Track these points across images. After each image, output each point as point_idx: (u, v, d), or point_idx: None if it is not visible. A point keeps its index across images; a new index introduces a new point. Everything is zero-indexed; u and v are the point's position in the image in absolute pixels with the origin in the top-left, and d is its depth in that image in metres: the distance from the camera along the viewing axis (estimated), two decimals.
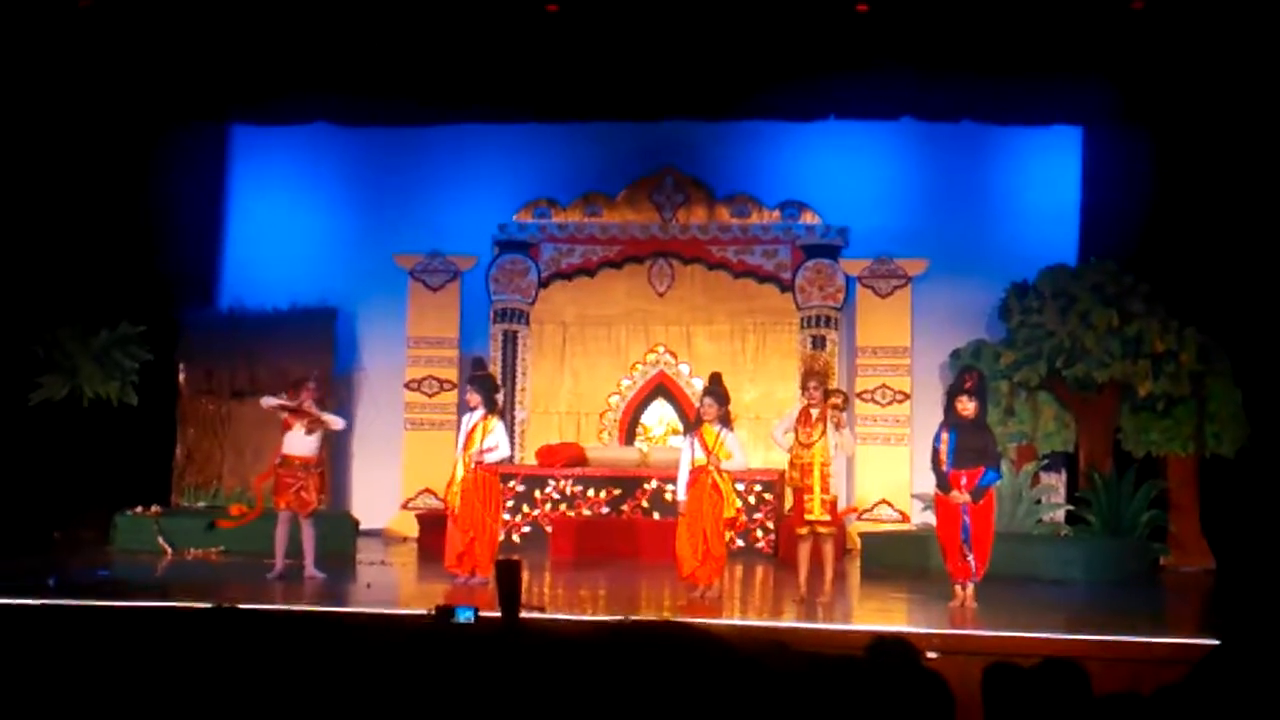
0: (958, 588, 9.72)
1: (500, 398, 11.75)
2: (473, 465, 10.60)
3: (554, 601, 9.91)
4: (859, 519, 13.73)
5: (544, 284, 15.05)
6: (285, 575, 10.76)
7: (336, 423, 11.06)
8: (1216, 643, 3.28)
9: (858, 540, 13.12)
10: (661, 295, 15.02)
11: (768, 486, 13.15)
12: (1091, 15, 11.53)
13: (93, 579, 10.59)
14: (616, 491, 13.45)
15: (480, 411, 10.72)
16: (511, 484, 13.37)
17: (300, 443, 10.90)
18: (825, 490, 10.00)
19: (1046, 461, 13.51)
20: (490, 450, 10.59)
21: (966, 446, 9.70)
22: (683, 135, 14.54)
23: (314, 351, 14.50)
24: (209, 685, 1.70)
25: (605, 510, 13.44)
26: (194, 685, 1.71)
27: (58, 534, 13.21)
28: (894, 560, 12.13)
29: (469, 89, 12.88)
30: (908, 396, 14.22)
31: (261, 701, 1.66)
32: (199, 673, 1.72)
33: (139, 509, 13.02)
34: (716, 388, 10.27)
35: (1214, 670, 3.05)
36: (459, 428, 11.28)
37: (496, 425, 10.72)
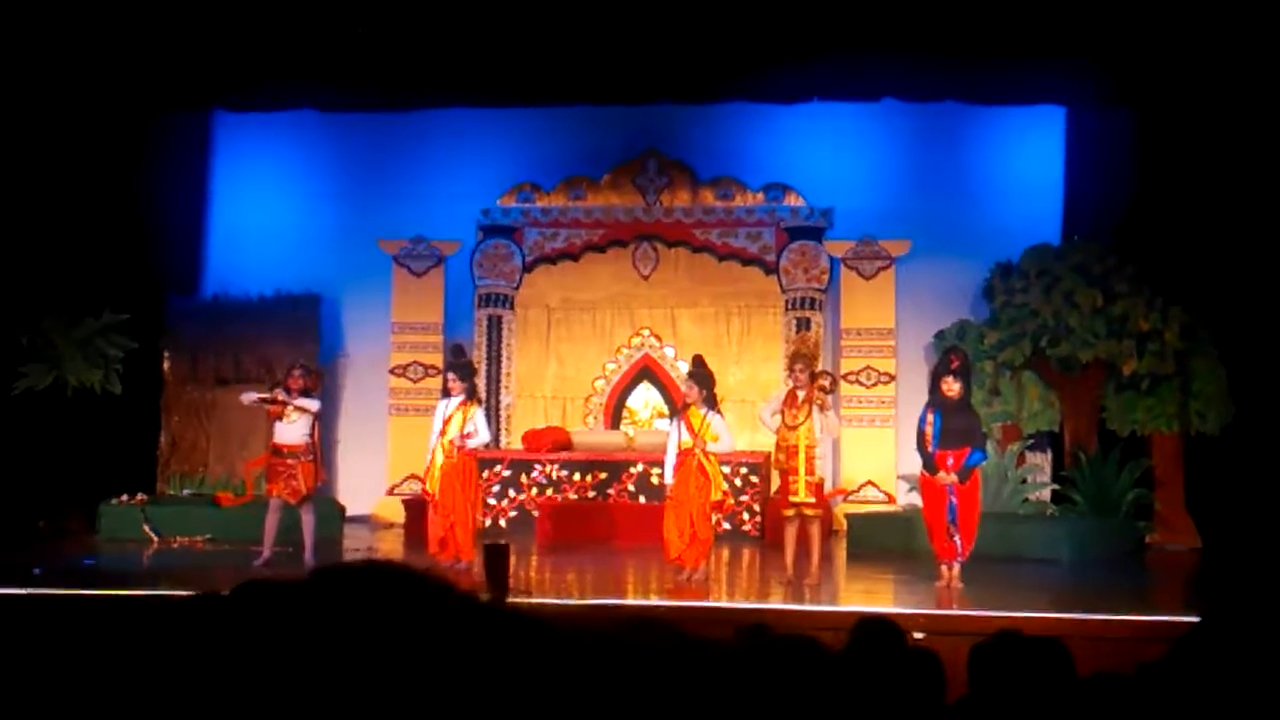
0: (943, 568, 9.74)
1: (480, 383, 11.74)
2: (452, 451, 10.58)
3: (540, 585, 9.91)
4: (845, 501, 13.73)
5: (528, 268, 15.01)
6: (272, 563, 10.73)
7: (311, 405, 10.98)
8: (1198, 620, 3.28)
9: (844, 522, 13.14)
10: (646, 279, 15.00)
11: (754, 469, 13.17)
12: None
13: (78, 568, 10.60)
14: (602, 475, 13.44)
15: (460, 398, 10.70)
16: (497, 469, 13.37)
17: (288, 431, 10.88)
18: (811, 472, 9.99)
19: (1031, 441, 13.55)
20: (470, 436, 10.57)
21: (952, 427, 9.71)
22: (666, 118, 14.50)
23: (299, 338, 14.46)
24: (195, 674, 1.69)
25: (591, 494, 13.43)
26: (181, 674, 1.71)
27: (43, 523, 13.15)
28: (880, 542, 12.14)
29: (452, 74, 12.82)
30: (893, 378, 14.24)
31: (249, 690, 1.65)
32: (185, 661, 1.71)
33: (124, 497, 13.00)
34: (699, 370, 10.27)
35: (1195, 648, 3.06)
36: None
37: (476, 412, 10.68)
